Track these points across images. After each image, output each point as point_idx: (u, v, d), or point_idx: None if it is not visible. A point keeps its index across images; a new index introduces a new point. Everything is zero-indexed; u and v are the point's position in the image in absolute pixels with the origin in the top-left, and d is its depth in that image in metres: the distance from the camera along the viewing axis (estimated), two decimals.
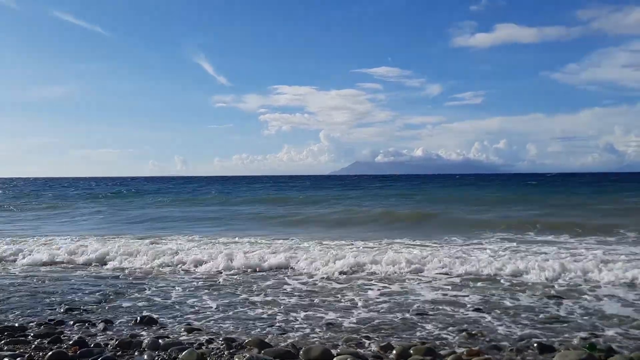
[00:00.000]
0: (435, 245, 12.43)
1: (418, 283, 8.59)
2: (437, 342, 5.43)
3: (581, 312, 6.66)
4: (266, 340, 5.42)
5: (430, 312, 6.73)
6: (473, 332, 5.73)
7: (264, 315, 6.69)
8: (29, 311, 6.94)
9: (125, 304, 7.36)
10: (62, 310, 6.95)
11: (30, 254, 11.67)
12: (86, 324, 6.20)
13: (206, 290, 8.26)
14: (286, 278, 9.17)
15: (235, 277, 9.42)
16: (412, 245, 12.48)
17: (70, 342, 5.36)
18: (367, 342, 5.46)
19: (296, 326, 6.17)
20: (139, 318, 6.35)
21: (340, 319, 6.44)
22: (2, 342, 5.42)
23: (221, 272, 9.83)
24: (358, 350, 5.13)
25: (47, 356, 4.90)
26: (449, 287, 8.24)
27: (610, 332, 5.78)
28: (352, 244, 12.64)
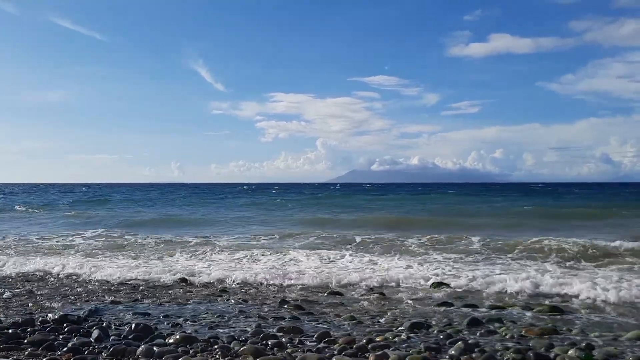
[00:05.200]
0: None
1: None
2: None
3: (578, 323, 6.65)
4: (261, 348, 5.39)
5: None
6: (469, 341, 5.70)
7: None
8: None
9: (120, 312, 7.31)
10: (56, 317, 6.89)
11: None
12: (80, 331, 6.15)
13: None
14: None
15: None
16: None
17: (64, 349, 5.32)
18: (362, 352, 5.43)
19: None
20: (134, 325, 6.28)
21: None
22: None
23: None
24: None
25: None
26: None
27: (605, 342, 5.77)
28: None
